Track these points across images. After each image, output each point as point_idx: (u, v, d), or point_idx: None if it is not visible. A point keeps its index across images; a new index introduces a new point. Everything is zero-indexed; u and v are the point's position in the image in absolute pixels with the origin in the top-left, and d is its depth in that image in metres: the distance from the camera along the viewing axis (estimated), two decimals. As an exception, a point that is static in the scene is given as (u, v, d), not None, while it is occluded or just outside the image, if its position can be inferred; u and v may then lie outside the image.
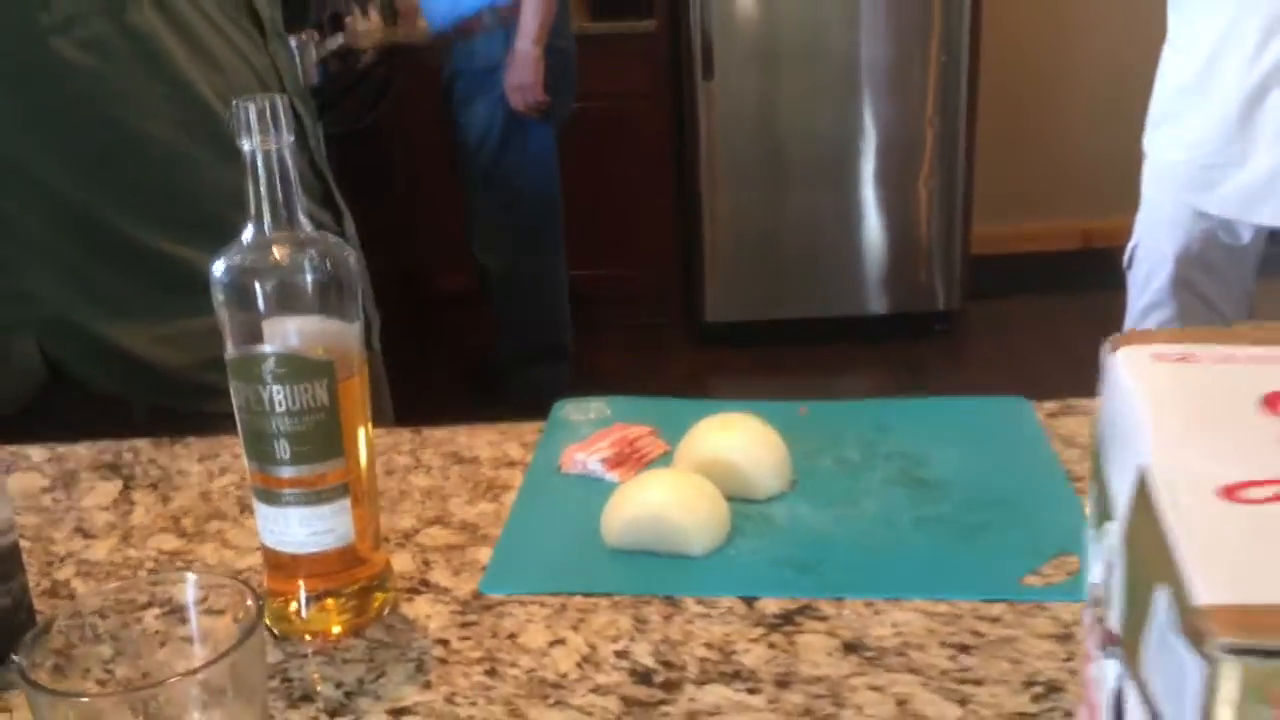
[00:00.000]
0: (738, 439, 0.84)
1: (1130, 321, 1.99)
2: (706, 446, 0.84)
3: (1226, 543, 0.32)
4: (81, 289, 1.08)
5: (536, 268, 3.16)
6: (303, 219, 0.67)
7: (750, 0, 3.35)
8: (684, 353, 3.65)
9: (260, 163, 0.65)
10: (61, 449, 0.97)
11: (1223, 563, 0.31)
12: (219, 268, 0.66)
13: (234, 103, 0.64)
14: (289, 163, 0.66)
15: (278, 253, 0.66)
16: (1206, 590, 0.30)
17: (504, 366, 3.25)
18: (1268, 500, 0.33)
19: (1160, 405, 0.38)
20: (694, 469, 0.82)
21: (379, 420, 0.92)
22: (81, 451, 0.97)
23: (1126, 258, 1.99)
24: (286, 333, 0.67)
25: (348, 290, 0.68)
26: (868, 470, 0.86)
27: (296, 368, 0.66)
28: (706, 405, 0.93)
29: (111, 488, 0.90)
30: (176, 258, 1.11)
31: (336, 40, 3.10)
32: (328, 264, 0.67)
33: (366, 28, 3.62)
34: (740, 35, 3.38)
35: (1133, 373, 0.41)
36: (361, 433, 0.70)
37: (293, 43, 2.71)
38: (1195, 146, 1.81)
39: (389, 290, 3.02)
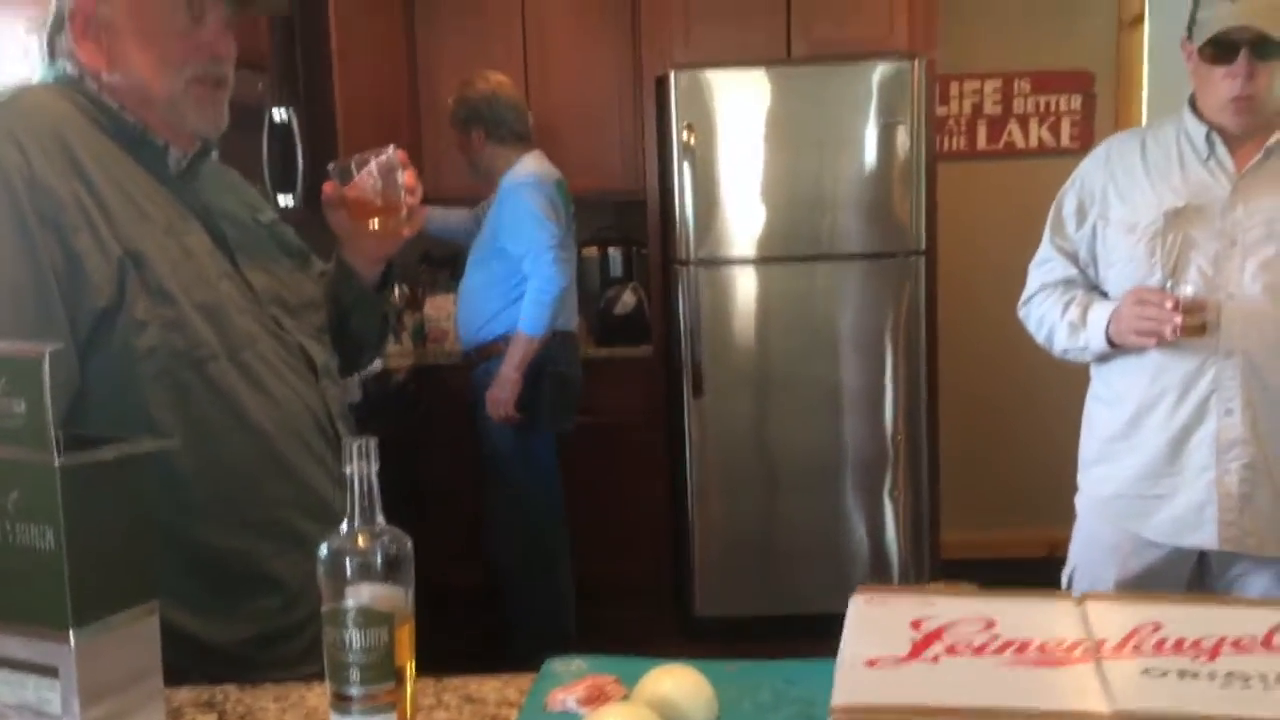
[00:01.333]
0: (676, 683, 1.15)
1: None
2: (653, 688, 1.15)
3: (859, 684, 0.64)
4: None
5: (543, 563, 3.48)
6: (379, 517, 1.02)
7: (734, 330, 3.83)
8: (673, 643, 3.90)
9: (357, 482, 1.00)
10: (171, 691, 1.28)
11: (851, 690, 0.64)
12: (323, 550, 1.00)
13: (344, 440, 1.00)
14: (374, 481, 1.01)
15: (362, 541, 1.00)
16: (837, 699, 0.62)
17: (514, 654, 3.51)
18: (889, 665, 0.66)
19: (856, 621, 0.72)
20: (643, 704, 1.13)
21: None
22: (184, 693, 1.27)
23: (1065, 580, 2.28)
24: (362, 593, 1.00)
25: (405, 566, 1.02)
26: (774, 711, 1.16)
27: (368, 618, 0.99)
28: (658, 661, 1.24)
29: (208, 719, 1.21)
30: (234, 552, 1.43)
31: (376, 365, 3.54)
32: (394, 548, 1.01)
33: (400, 350, 4.10)
34: (726, 360, 3.84)
35: (854, 608, 0.74)
36: (409, 665, 1.02)
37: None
38: (1131, 484, 2.13)
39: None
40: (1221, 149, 2.07)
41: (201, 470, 1.42)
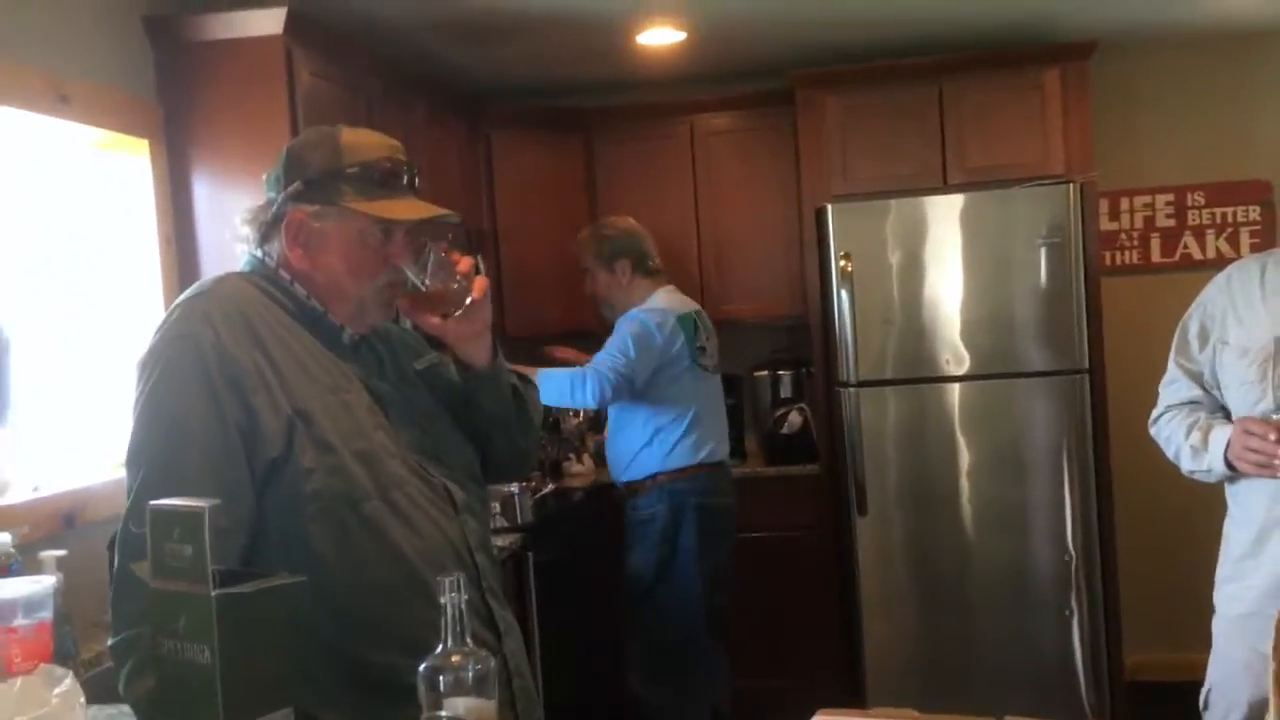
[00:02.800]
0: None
1: None
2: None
3: None
4: (314, 690, 1.57)
5: (677, 692, 3.57)
6: (468, 640, 1.22)
7: (896, 449, 3.93)
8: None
9: (449, 611, 1.21)
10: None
11: None
12: (422, 668, 1.21)
13: (441, 583, 1.21)
14: (463, 610, 1.22)
15: (455, 660, 1.21)
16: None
17: None
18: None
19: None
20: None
21: None
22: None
23: (1202, 700, 2.28)
24: (456, 705, 1.20)
25: (489, 682, 1.22)
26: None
27: (459, 727, 1.19)
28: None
29: (349, 809, 1.42)
30: (383, 665, 1.65)
31: (547, 485, 3.80)
32: (479, 668, 1.21)
33: (580, 470, 4.37)
34: (890, 479, 3.93)
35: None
36: (495, 769, 1.21)
37: (515, 489, 3.43)
38: (1258, 602, 2.15)
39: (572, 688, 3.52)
40: None
41: (357, 594, 1.66)
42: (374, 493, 1.69)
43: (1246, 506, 2.19)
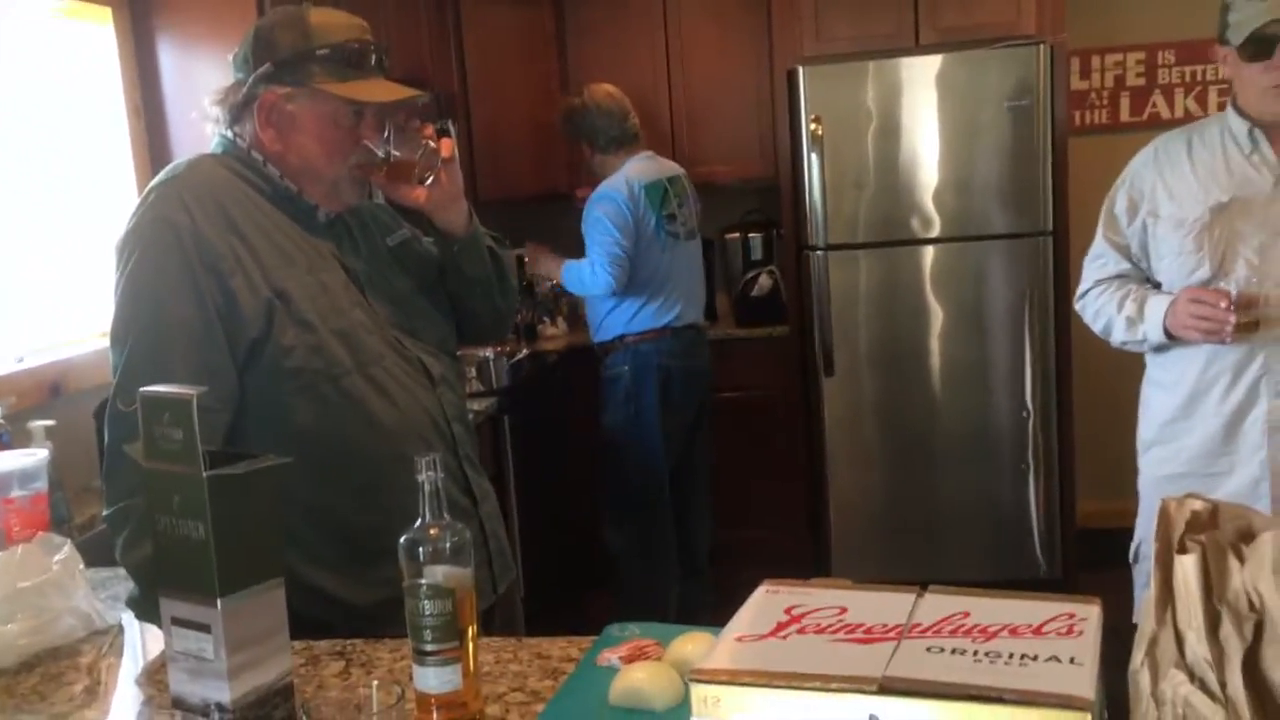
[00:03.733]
0: (696, 646, 1.41)
1: (1138, 612, 2.39)
2: (679, 650, 1.41)
3: (722, 654, 0.90)
4: (303, 551, 1.70)
5: (645, 546, 3.74)
6: (445, 514, 1.31)
7: (863, 312, 4.02)
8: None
9: (427, 488, 1.29)
10: (312, 643, 1.61)
11: (713, 659, 0.89)
12: (403, 540, 1.30)
13: (418, 461, 1.29)
14: (440, 487, 1.30)
15: (433, 533, 1.30)
16: (700, 664, 0.88)
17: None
18: (750, 641, 0.91)
19: (749, 607, 0.97)
20: (669, 664, 1.39)
21: (511, 627, 1.53)
22: (323, 645, 1.61)
23: (1132, 554, 2.43)
24: (435, 573, 1.29)
25: (465, 552, 1.30)
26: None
27: (436, 592, 1.28)
28: (689, 628, 1.50)
29: (339, 665, 1.54)
30: (369, 529, 1.75)
31: (523, 349, 3.87)
32: (455, 539, 1.30)
33: (554, 333, 4.44)
34: (856, 341, 4.03)
35: (754, 596, 0.99)
36: (470, 629, 1.31)
37: (490, 353, 3.51)
38: (1189, 463, 2.30)
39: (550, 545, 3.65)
40: (1264, 143, 2.18)
41: (340, 463, 1.75)
42: (353, 368, 1.76)
43: (1177, 373, 2.30)
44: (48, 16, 2.69)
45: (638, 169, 3.72)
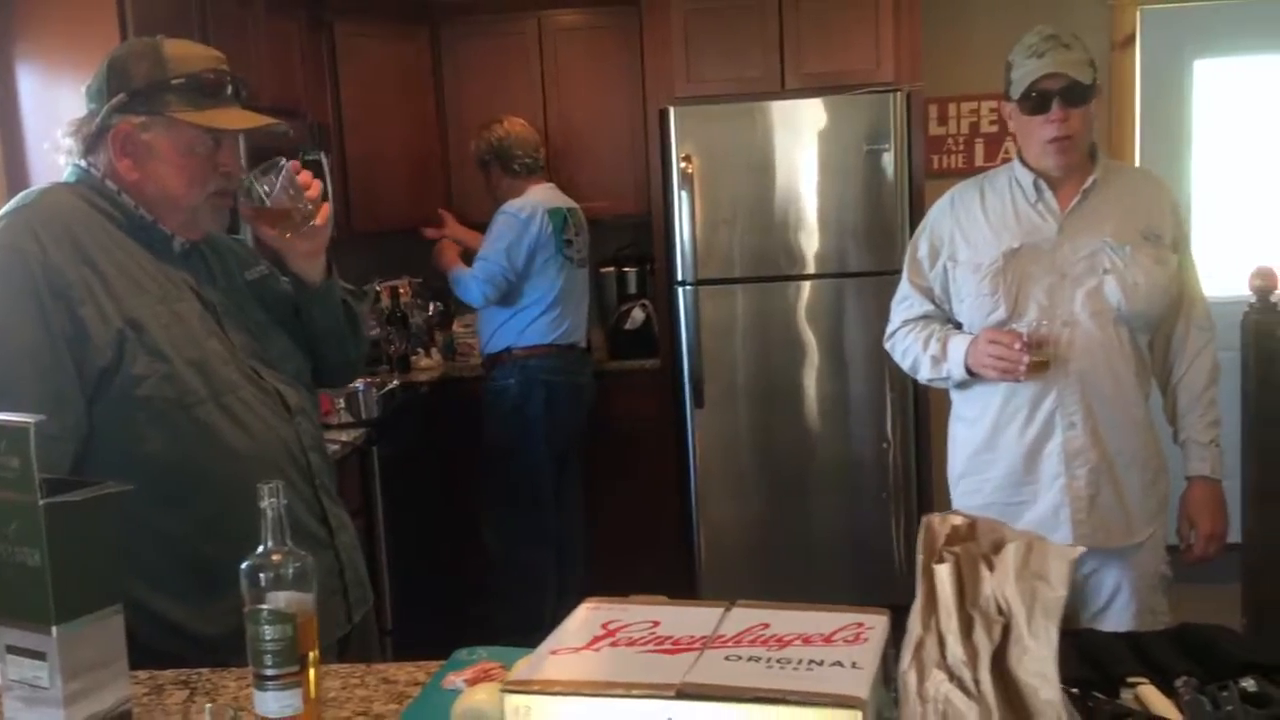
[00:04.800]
0: (537, 668, 1.45)
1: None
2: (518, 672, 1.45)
3: (534, 666, 0.95)
4: (152, 581, 1.71)
5: (523, 556, 3.88)
6: (288, 541, 1.33)
7: (731, 346, 4.13)
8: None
9: (269, 514, 1.32)
10: (157, 673, 1.61)
11: (525, 670, 0.94)
12: (245, 566, 1.32)
13: (260, 488, 1.32)
14: (282, 514, 1.33)
15: (275, 559, 1.32)
16: (511, 675, 0.93)
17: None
18: (565, 654, 0.96)
19: (570, 622, 1.02)
20: (509, 685, 1.44)
21: (367, 655, 1.55)
22: (169, 674, 1.61)
23: None
24: (277, 599, 1.32)
25: (307, 578, 1.33)
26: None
27: (278, 617, 1.31)
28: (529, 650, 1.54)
29: (183, 694, 1.54)
30: (217, 560, 1.74)
31: (394, 380, 3.89)
32: (298, 565, 1.33)
33: (428, 364, 4.46)
34: (725, 374, 4.13)
35: (576, 612, 1.04)
36: (311, 655, 1.33)
37: (360, 384, 3.51)
38: (994, 493, 2.43)
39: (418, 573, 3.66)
40: (1048, 193, 2.35)
41: (192, 493, 1.75)
42: (207, 397, 1.77)
43: (979, 408, 2.44)
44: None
45: (543, 194, 3.99)
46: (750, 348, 4.13)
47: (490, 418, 3.92)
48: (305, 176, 1.89)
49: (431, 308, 4.54)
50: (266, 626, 1.30)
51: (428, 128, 4.54)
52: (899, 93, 4.02)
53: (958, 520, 0.85)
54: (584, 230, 4.09)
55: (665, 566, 4.34)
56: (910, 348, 2.49)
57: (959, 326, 2.47)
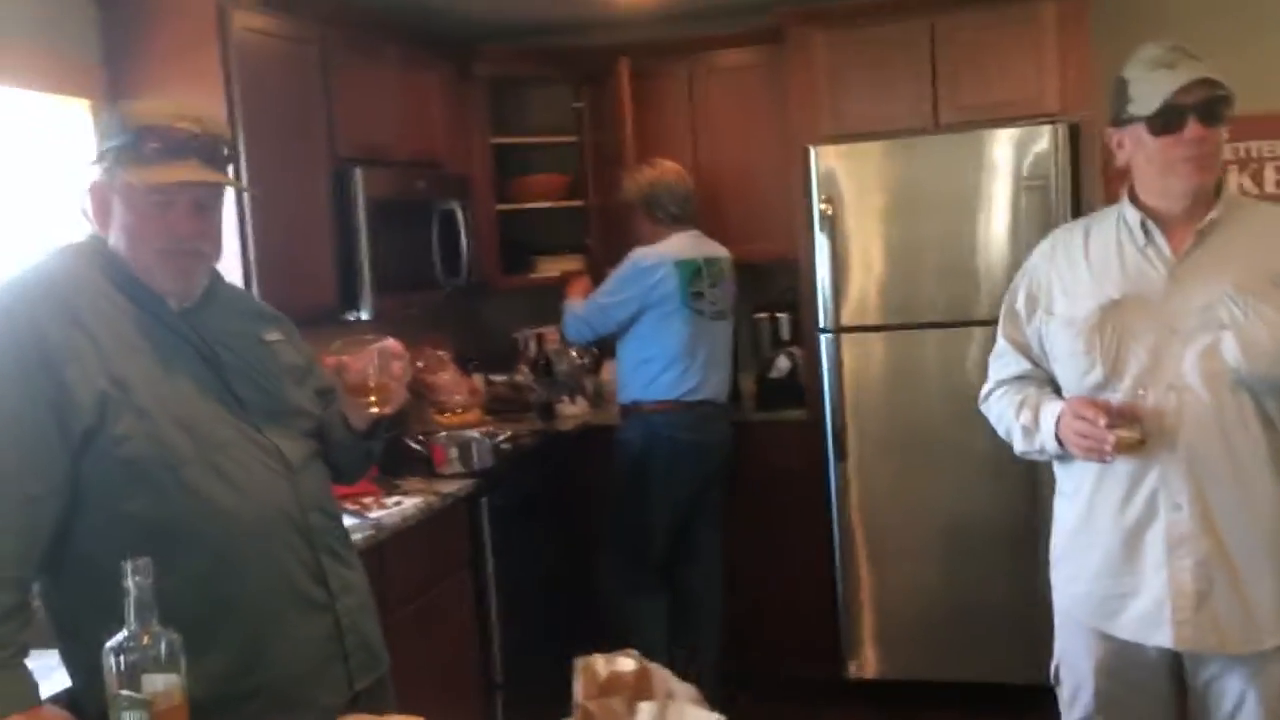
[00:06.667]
0: None
1: None
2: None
3: None
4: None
5: (639, 606, 3.79)
6: (154, 620, 1.28)
7: (876, 396, 3.88)
8: (827, 699, 3.97)
9: (134, 592, 1.27)
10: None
11: None
12: (106, 647, 1.27)
13: (123, 565, 1.27)
14: (146, 593, 1.27)
15: (143, 640, 1.27)
16: None
17: None
18: None
19: None
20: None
21: None
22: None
23: (1052, 674, 2.23)
24: (138, 682, 1.26)
25: (174, 659, 1.27)
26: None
27: (132, 703, 1.25)
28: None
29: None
30: (197, 618, 1.67)
31: (503, 434, 3.84)
32: (164, 646, 1.27)
33: (573, 412, 4.41)
34: (869, 425, 3.89)
35: None
36: (178, 741, 1.27)
37: (476, 434, 3.50)
38: (1092, 581, 2.10)
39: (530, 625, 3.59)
40: (1159, 236, 2.02)
41: (180, 552, 1.73)
42: (194, 457, 1.76)
43: (1075, 483, 2.12)
44: (35, 107, 2.81)
45: (678, 245, 3.85)
46: (894, 398, 3.87)
47: (615, 468, 3.83)
48: (399, 367, 1.92)
49: (581, 355, 4.49)
50: (124, 713, 1.25)
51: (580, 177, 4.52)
52: (1058, 124, 3.69)
53: (627, 666, 0.69)
54: (724, 281, 3.92)
55: (815, 623, 4.12)
56: (1004, 414, 2.21)
57: (1058, 390, 2.17)
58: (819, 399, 4.04)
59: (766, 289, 4.54)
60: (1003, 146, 3.73)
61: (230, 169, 1.90)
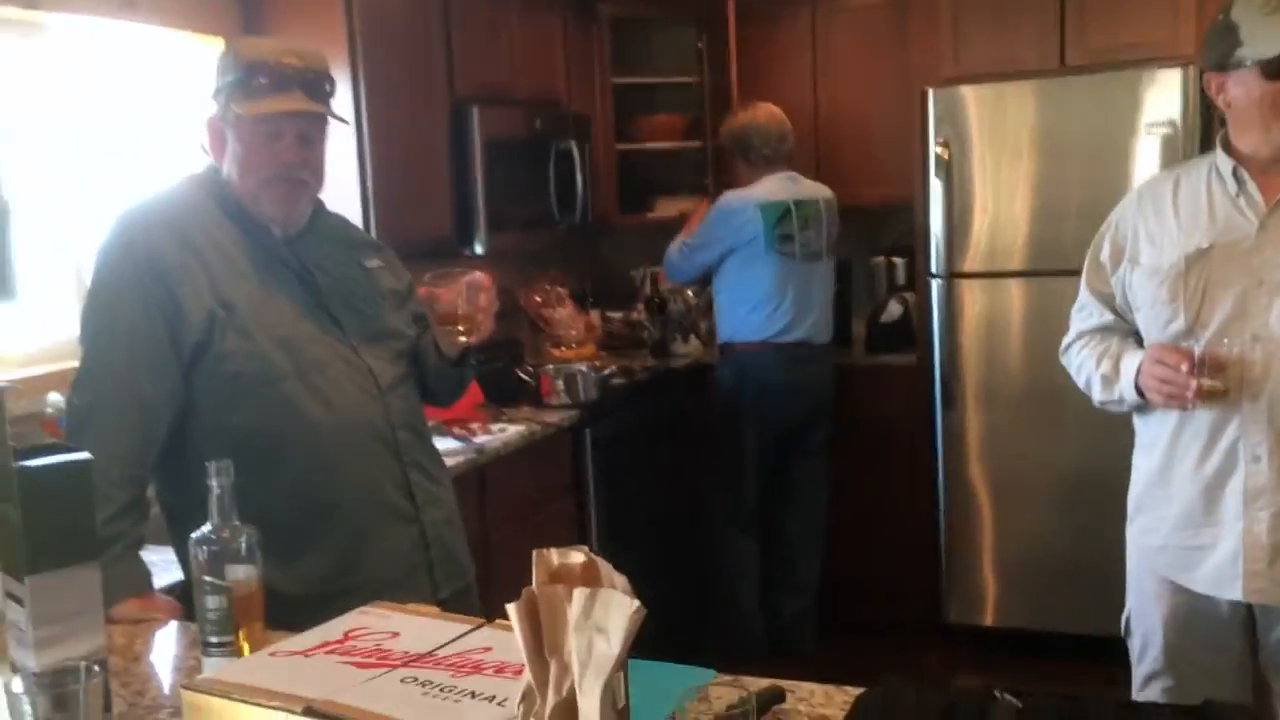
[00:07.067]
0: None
1: (1135, 687, 2.19)
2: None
3: (235, 667, 0.95)
4: None
5: (731, 543, 3.90)
6: (235, 517, 1.40)
7: (986, 344, 3.85)
8: (925, 645, 4.00)
9: (215, 491, 1.39)
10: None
11: (223, 670, 0.94)
12: (192, 539, 1.40)
13: (207, 466, 1.39)
14: (226, 492, 1.39)
15: (225, 534, 1.40)
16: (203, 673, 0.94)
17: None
18: (280, 656, 0.95)
19: (326, 627, 1.01)
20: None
21: None
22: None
23: (1123, 626, 2.23)
24: (220, 572, 1.39)
25: (252, 554, 1.39)
26: None
27: (215, 589, 1.38)
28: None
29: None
30: (294, 524, 1.85)
31: (610, 366, 3.94)
32: (241, 541, 1.39)
33: (686, 350, 4.48)
34: (978, 373, 3.87)
35: (348, 616, 1.03)
36: (254, 626, 1.40)
37: (583, 367, 3.60)
38: (1169, 535, 2.09)
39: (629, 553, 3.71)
40: (1251, 185, 1.97)
41: (274, 461, 1.89)
42: (291, 373, 1.90)
43: (1153, 434, 2.10)
44: (171, 43, 2.99)
45: (767, 188, 3.86)
46: (1007, 347, 3.83)
47: (712, 406, 3.94)
48: (486, 298, 2.01)
49: (694, 295, 4.55)
50: (207, 597, 1.39)
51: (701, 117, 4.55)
52: (1193, 67, 3.56)
53: (577, 559, 0.77)
54: (820, 222, 3.89)
55: (914, 569, 4.13)
56: (1084, 364, 2.20)
57: (1140, 341, 2.15)
58: (929, 345, 4.02)
59: (884, 233, 4.53)
60: (1131, 90, 3.62)
61: (334, 103, 2.02)
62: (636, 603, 0.72)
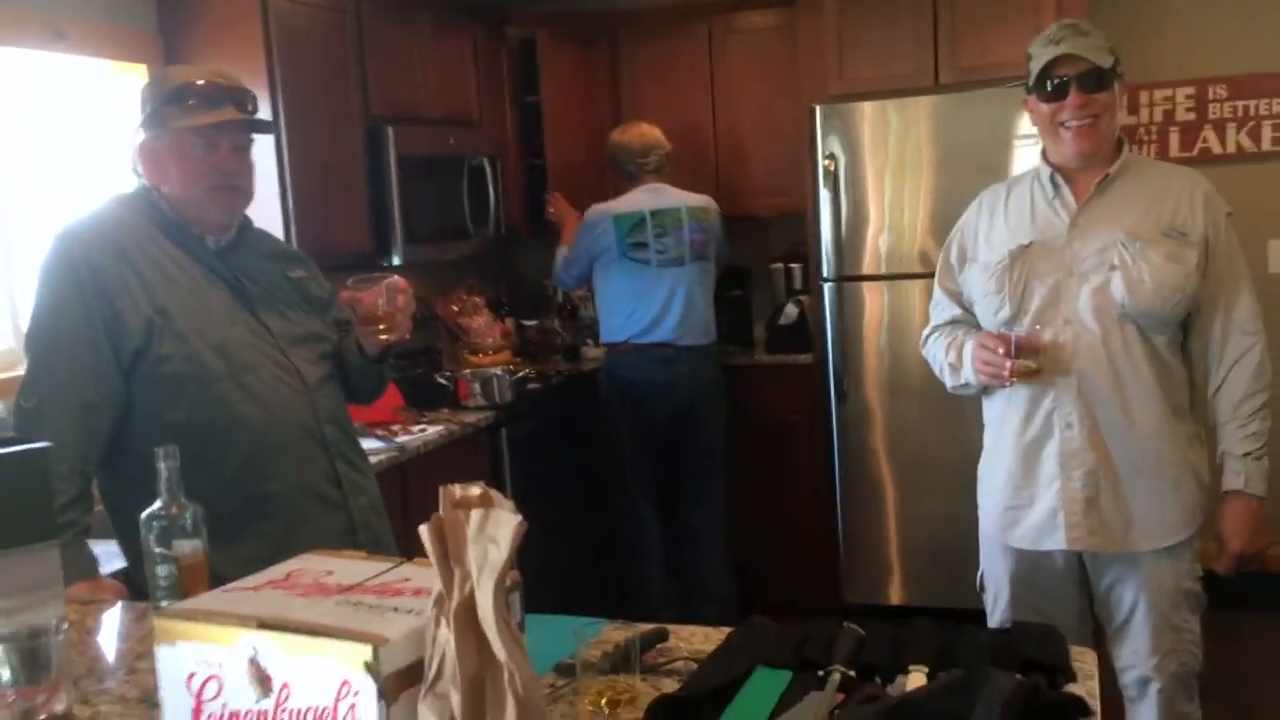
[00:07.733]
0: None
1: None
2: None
3: (205, 598, 1.15)
4: None
5: (630, 537, 4.15)
6: (181, 496, 1.59)
7: (873, 343, 4.13)
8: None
9: (164, 473, 1.58)
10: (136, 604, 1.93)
11: (194, 600, 1.14)
12: (144, 515, 1.59)
13: (156, 451, 1.58)
14: (173, 474, 1.58)
15: (173, 510, 1.58)
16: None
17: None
18: (243, 590, 1.15)
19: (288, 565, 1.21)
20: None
21: None
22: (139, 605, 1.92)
23: (978, 583, 2.52)
24: (181, 546, 1.58)
25: (198, 528, 1.58)
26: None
27: (165, 559, 1.57)
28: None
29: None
30: (231, 511, 2.02)
31: (525, 370, 4.14)
32: (189, 516, 1.58)
33: (597, 353, 4.70)
34: (866, 370, 4.15)
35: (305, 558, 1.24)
36: (197, 590, 1.58)
37: (498, 370, 3.80)
38: (997, 495, 2.40)
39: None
40: (1065, 188, 2.28)
41: (210, 456, 2.06)
42: (225, 375, 2.09)
43: (989, 412, 2.39)
44: (100, 75, 3.15)
45: (630, 199, 4.11)
46: (897, 344, 4.11)
47: (606, 406, 4.17)
48: (404, 299, 2.20)
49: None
50: (158, 566, 1.57)
51: (604, 135, 4.77)
52: (1051, 83, 3.87)
53: (474, 491, 0.98)
54: (681, 228, 4.06)
55: (809, 555, 4.39)
56: (936, 355, 2.48)
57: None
58: (823, 345, 4.29)
59: (781, 241, 4.82)
60: (1000, 105, 3.91)
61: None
62: (519, 517, 0.94)
